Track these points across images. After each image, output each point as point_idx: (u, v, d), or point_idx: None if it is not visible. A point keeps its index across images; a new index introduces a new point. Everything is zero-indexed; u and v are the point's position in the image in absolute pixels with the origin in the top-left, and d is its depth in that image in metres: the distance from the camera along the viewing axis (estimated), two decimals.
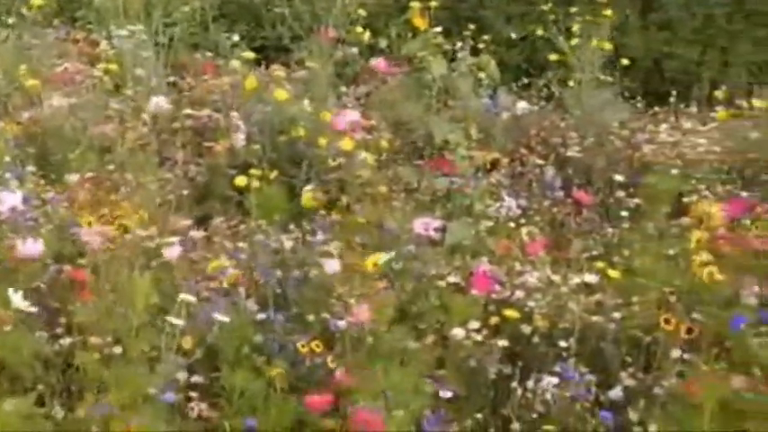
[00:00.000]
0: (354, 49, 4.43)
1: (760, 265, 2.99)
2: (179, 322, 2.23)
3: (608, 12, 4.37)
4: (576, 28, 4.49)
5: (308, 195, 3.08)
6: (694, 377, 2.40)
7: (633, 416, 2.44)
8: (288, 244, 2.91)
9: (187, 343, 2.27)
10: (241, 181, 3.23)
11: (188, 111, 3.79)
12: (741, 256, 2.92)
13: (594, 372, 2.63)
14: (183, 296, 2.27)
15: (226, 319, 2.35)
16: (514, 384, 2.54)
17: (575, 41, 4.44)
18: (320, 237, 2.95)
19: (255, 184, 3.20)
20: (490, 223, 3.36)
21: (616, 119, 4.26)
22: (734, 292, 2.80)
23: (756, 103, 4.08)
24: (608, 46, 4.37)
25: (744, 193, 3.62)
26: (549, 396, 2.46)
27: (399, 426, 2.08)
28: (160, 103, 3.67)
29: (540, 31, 4.55)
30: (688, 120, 4.30)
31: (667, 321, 2.55)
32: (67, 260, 2.63)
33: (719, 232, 3.08)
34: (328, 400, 2.16)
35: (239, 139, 3.48)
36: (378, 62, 4.27)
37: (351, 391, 2.24)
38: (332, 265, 2.72)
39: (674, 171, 3.76)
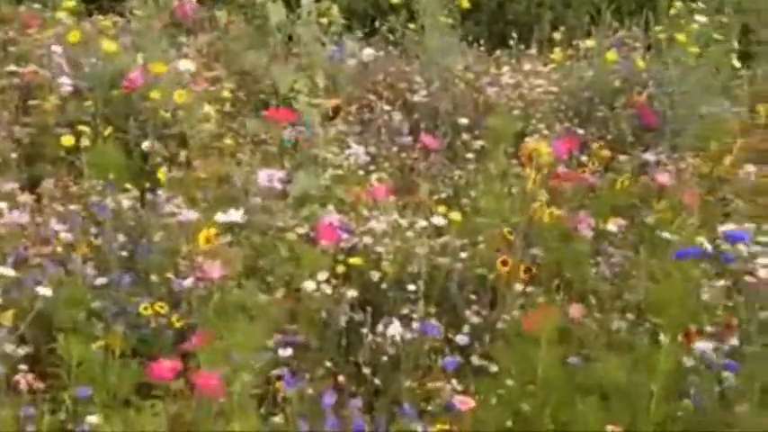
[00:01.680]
0: None
1: (594, 199, 3.14)
2: None
3: None
4: None
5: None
6: (534, 310, 2.49)
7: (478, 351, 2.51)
8: (126, 203, 2.79)
9: (6, 319, 2.14)
10: (68, 140, 3.05)
11: (12, 67, 3.54)
12: (576, 191, 3.05)
13: (443, 312, 2.69)
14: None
15: (47, 291, 2.22)
16: (365, 330, 2.56)
17: None
18: (161, 195, 2.84)
19: (86, 142, 3.03)
20: (339, 172, 3.34)
21: (460, 63, 4.31)
22: (571, 225, 2.92)
23: (588, 43, 4.23)
24: None
25: (580, 131, 3.78)
26: (398, 339, 2.49)
27: (245, 386, 2.05)
28: None
29: None
30: (529, 62, 4.41)
31: (505, 262, 2.64)
32: None
33: (558, 169, 3.20)
34: (170, 364, 2.10)
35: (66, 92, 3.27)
36: (181, 5, 4.10)
37: (196, 352, 2.18)
38: (188, 215, 2.64)
39: (516, 112, 3.86)
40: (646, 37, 4.54)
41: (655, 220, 2.94)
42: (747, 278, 2.41)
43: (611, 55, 4.06)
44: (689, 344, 2.25)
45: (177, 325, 2.42)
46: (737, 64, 4.30)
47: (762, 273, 2.35)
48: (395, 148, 3.71)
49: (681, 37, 3.96)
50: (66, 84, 3.33)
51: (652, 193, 3.16)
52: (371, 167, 3.48)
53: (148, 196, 2.87)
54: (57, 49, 3.51)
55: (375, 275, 2.74)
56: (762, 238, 2.48)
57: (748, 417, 2.11)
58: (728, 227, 2.57)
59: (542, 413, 2.16)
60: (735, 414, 2.15)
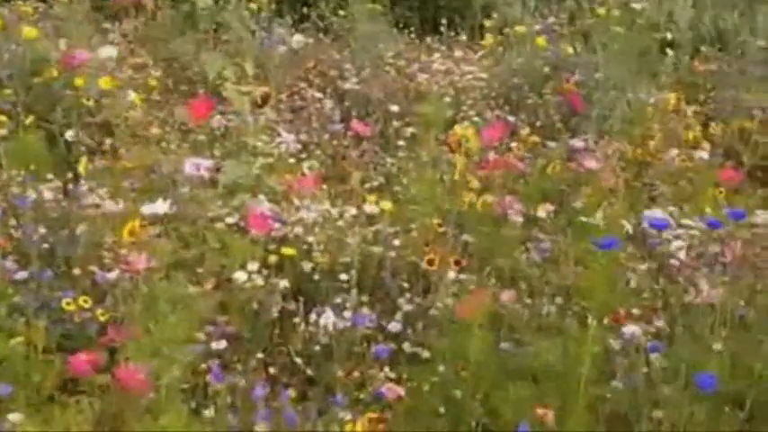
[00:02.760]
0: None
1: (524, 185, 3.17)
2: None
3: None
4: None
5: None
6: (467, 296, 2.50)
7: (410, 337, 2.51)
8: (48, 195, 2.70)
9: None
10: None
11: None
12: (506, 177, 3.07)
13: (376, 300, 2.68)
14: None
15: None
16: (298, 320, 2.54)
17: None
18: (84, 185, 2.75)
19: (3, 131, 2.92)
20: (270, 160, 3.30)
21: (391, 49, 4.30)
22: (501, 211, 2.94)
23: (517, 29, 4.26)
24: None
25: (510, 117, 3.81)
26: (331, 328, 2.47)
27: (174, 380, 2.00)
28: None
29: None
30: (459, 48, 4.42)
31: (431, 261, 2.64)
32: None
33: (489, 156, 3.22)
34: (89, 357, 2.04)
35: None
36: None
37: (122, 346, 2.13)
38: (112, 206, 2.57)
39: (447, 99, 3.86)
40: (573, 24, 4.61)
41: (582, 204, 2.98)
42: (671, 261, 2.47)
43: (541, 41, 4.10)
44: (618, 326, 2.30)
45: (102, 319, 2.36)
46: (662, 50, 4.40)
47: (682, 255, 2.41)
48: (326, 136, 3.68)
49: (600, 13, 4.03)
50: None
51: (580, 178, 3.21)
52: (303, 155, 3.44)
53: (71, 187, 2.79)
54: None
55: (307, 265, 2.71)
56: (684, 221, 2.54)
57: (674, 397, 2.16)
58: (652, 211, 2.62)
59: (474, 399, 2.17)
60: (662, 394, 2.20)
